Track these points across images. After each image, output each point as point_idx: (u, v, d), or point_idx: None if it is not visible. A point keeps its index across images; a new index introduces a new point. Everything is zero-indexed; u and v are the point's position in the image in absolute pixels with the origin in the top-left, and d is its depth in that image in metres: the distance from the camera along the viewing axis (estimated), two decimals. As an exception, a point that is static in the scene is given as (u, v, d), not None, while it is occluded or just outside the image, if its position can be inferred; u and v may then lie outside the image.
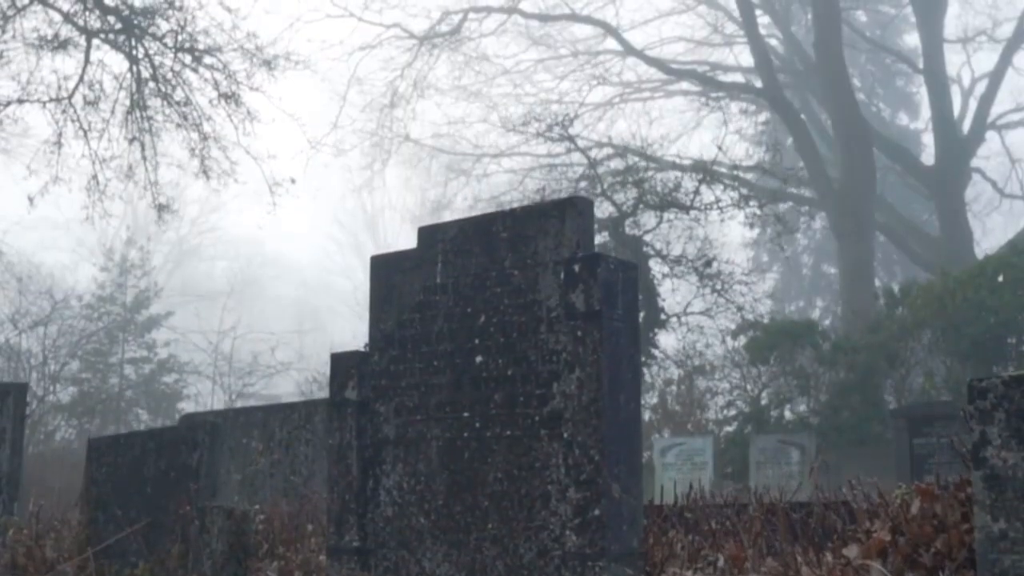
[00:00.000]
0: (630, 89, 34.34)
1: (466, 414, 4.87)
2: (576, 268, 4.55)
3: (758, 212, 17.36)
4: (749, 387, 20.35)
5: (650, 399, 21.05)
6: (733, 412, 20.20)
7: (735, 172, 28.20)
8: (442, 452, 4.93)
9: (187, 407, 25.69)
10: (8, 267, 21.14)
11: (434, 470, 4.94)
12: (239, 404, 24.15)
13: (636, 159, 17.94)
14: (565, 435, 4.49)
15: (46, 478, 19.32)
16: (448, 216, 35.46)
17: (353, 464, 5.18)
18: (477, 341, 4.88)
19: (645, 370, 18.52)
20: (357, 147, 31.38)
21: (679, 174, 17.32)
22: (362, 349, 5.36)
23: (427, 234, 5.19)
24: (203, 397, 24.34)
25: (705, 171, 17.04)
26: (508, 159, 30.61)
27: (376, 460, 5.16)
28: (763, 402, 20.13)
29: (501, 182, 32.31)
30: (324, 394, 21.48)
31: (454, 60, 31.00)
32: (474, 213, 26.86)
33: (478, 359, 4.87)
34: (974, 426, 3.69)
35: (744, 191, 17.58)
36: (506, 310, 4.80)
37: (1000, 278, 18.50)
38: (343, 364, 5.29)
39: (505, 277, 4.83)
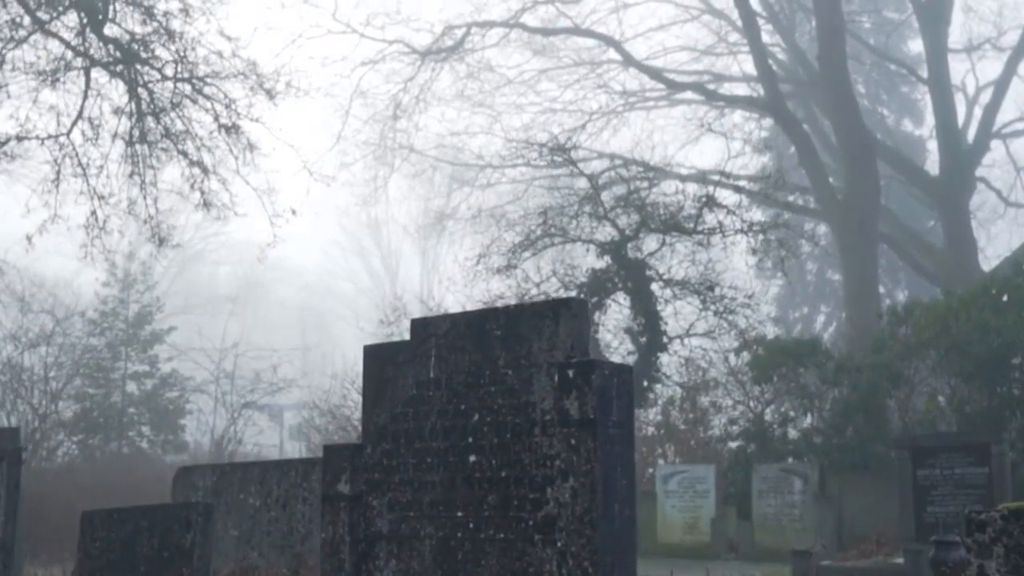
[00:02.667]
0: (634, 98, 34.27)
1: (460, 514, 4.82)
2: (570, 374, 4.50)
3: (759, 238, 17.27)
4: (752, 404, 20.27)
5: (654, 416, 21.00)
6: (736, 429, 20.10)
7: (738, 184, 28.14)
8: (436, 551, 4.88)
9: (189, 423, 25.71)
10: (9, 285, 21.09)
11: (427, 568, 4.89)
12: (242, 418, 24.13)
13: (638, 181, 17.85)
14: (559, 543, 4.44)
15: (47, 495, 19.35)
16: (451, 225, 35.49)
17: (346, 559, 5.14)
18: (471, 440, 4.83)
19: (648, 391, 18.46)
20: (360, 160, 31.32)
21: (681, 197, 17.24)
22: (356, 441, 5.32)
23: (420, 327, 5.14)
24: (205, 414, 24.34)
25: (708, 196, 16.96)
26: (512, 169, 30.49)
27: (369, 555, 5.11)
28: (767, 418, 20.06)
29: (504, 191, 32.28)
30: (324, 420, 21.66)
31: (457, 70, 30.97)
32: (477, 222, 26.83)
33: (472, 458, 4.82)
34: (972, 559, 3.63)
35: (746, 216, 17.46)
36: (500, 410, 4.76)
37: (1005, 298, 18.37)
38: (336, 457, 5.24)
39: (499, 376, 4.78)
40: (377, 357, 5.27)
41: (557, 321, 4.63)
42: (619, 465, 4.48)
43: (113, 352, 25.29)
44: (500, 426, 4.74)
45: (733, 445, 19.94)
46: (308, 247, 57.28)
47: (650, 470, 20.66)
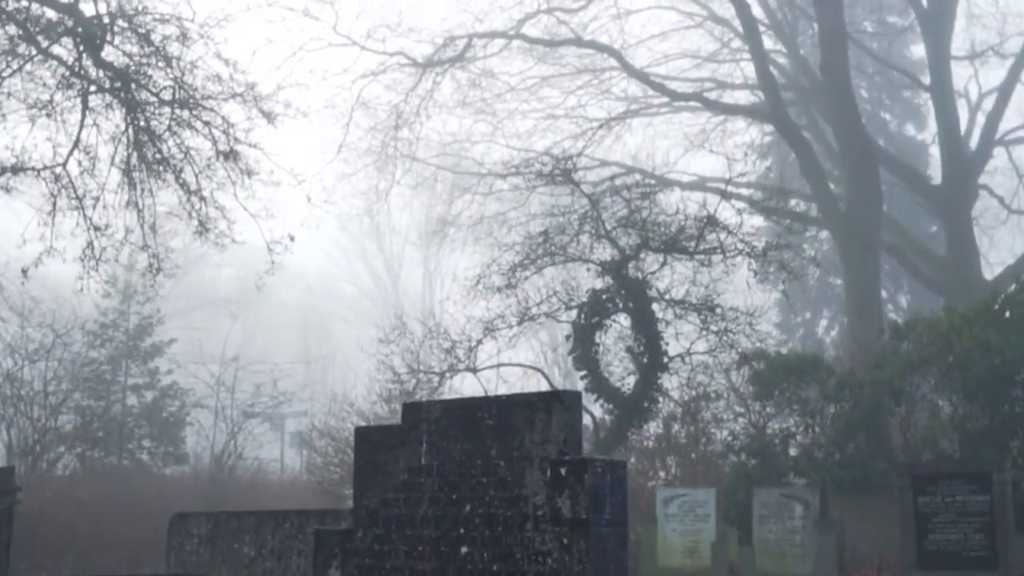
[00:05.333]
0: (637, 105, 34.21)
1: (451, 605, 4.77)
2: (563, 472, 4.45)
3: (761, 259, 17.18)
4: (753, 417, 20.20)
5: (655, 428, 20.94)
6: (737, 444, 20.03)
7: (739, 193, 28.04)
8: (427, 642, 4.82)
9: (189, 435, 25.65)
10: (8, 299, 21.01)
11: (419, 659, 4.84)
12: (242, 432, 24.07)
13: (638, 198, 17.74)
14: (551, 643, 4.39)
15: (46, 510, 19.31)
16: (453, 232, 35.43)
17: (337, 646, 5.08)
18: (462, 531, 4.78)
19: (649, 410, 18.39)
20: (362, 171, 31.26)
21: (682, 217, 17.15)
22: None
23: (412, 411, 5.09)
24: (205, 429, 24.28)
25: (709, 217, 16.88)
26: (514, 177, 30.41)
27: (360, 642, 5.06)
28: (768, 431, 19.99)
29: (506, 198, 32.19)
30: (323, 442, 21.54)
31: (459, 79, 30.91)
32: (479, 228, 26.83)
33: (463, 550, 4.77)
34: None
35: (747, 236, 17.36)
36: (492, 502, 4.71)
37: (1007, 314, 18.27)
38: (327, 541, 5.18)
39: (491, 467, 4.73)
40: (369, 440, 5.22)
41: (550, 413, 4.57)
42: (612, 563, 4.42)
43: (113, 364, 25.23)
44: (492, 518, 4.69)
45: (734, 459, 19.88)
46: (310, 249, 57.27)
47: (651, 483, 20.60)
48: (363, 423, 18.06)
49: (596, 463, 4.43)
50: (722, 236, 16.84)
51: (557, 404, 4.56)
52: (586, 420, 19.49)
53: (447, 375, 17.94)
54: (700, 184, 32.59)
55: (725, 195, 18.28)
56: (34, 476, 21.54)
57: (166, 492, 21.24)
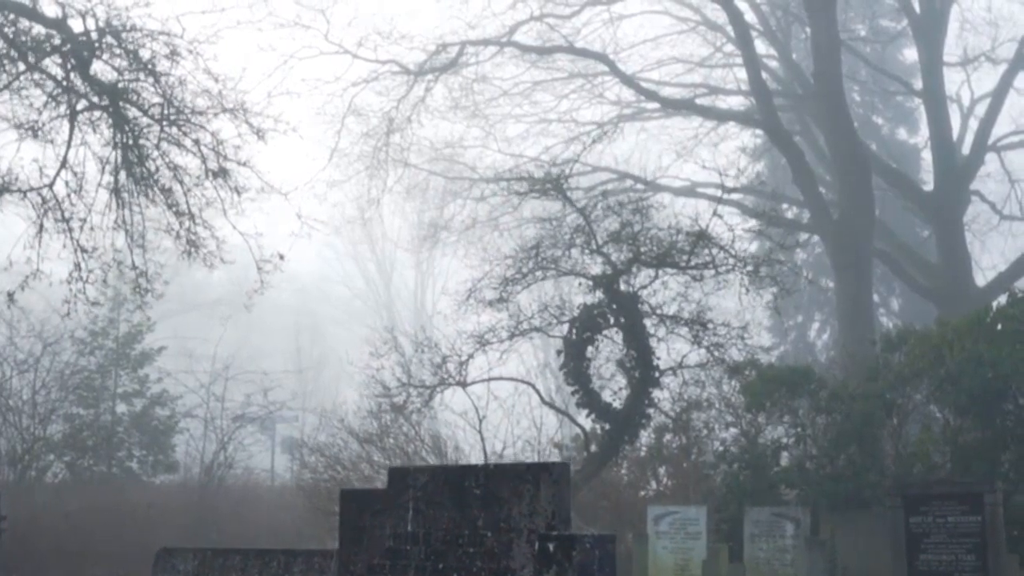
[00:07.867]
0: (629, 110, 34.19)
1: (438, 678, 4.71)
2: (551, 547, 4.38)
3: (752, 272, 17.12)
4: (744, 426, 20.19)
5: (647, 439, 20.90)
6: (729, 455, 20.01)
7: (732, 199, 28.04)
8: None
9: (179, 443, 25.54)
10: (-3, 309, 20.87)
11: None
12: (232, 442, 23.95)
13: (630, 212, 17.64)
14: None
15: (35, 520, 19.19)
16: (445, 236, 35.39)
17: None
18: (449, 601, 4.72)
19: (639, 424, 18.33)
20: (353, 178, 31.22)
21: (674, 232, 17.05)
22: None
23: (398, 477, 5.02)
24: (195, 440, 24.15)
25: (701, 232, 16.80)
26: (505, 183, 30.36)
27: None
28: (760, 442, 19.97)
29: (498, 202, 32.11)
30: (313, 458, 21.43)
31: (451, 85, 30.85)
32: (471, 232, 26.66)
33: (450, 621, 4.70)
34: None
35: (739, 252, 17.29)
36: (479, 573, 4.64)
37: (999, 327, 18.24)
38: (312, 607, 5.12)
39: (478, 538, 4.67)
40: (354, 502, 5.16)
41: (538, 486, 4.51)
42: (600, 641, 4.36)
43: (103, 372, 25.10)
44: (479, 590, 4.63)
45: (726, 468, 19.84)
46: (302, 252, 57.00)
47: (641, 493, 20.56)
48: (353, 440, 18.01)
49: (585, 539, 4.37)
50: (714, 251, 16.76)
51: (545, 476, 4.50)
52: (577, 431, 19.45)
53: (438, 389, 17.86)
54: (691, 189, 32.61)
55: (718, 206, 18.20)
56: (23, 486, 21.43)
57: (156, 502, 21.14)
